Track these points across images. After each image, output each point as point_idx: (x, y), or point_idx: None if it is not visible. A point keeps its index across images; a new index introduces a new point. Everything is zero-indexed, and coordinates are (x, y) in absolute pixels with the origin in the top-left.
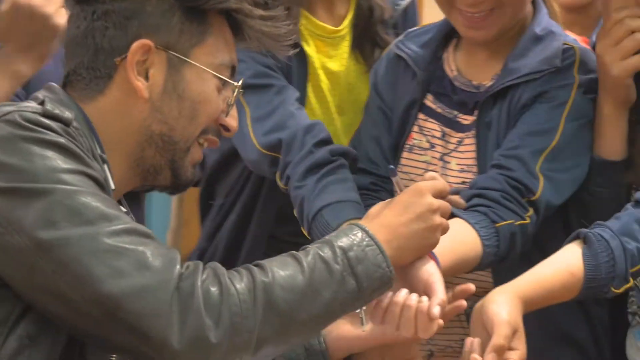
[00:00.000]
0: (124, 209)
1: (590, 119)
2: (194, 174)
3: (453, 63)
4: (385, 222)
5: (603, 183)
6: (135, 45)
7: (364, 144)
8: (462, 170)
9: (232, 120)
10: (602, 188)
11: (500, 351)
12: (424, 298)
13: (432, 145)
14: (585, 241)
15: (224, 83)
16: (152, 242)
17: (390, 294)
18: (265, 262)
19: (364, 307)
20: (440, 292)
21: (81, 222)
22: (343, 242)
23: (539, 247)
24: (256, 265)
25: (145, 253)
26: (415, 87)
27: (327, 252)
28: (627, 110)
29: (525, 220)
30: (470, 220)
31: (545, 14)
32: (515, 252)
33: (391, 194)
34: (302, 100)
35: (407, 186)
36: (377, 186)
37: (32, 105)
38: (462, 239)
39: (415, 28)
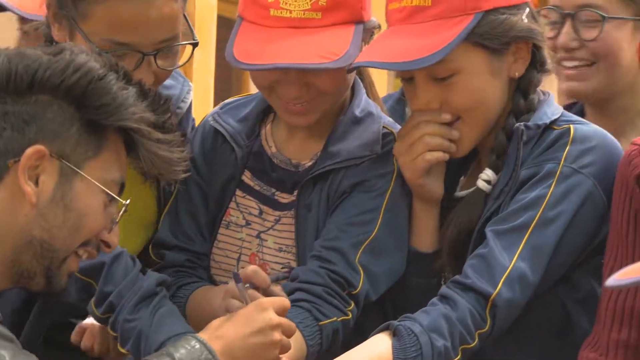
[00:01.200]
0: None
1: (409, 209)
2: (67, 282)
3: (271, 139)
4: (223, 334)
5: (416, 273)
6: (30, 150)
7: (180, 219)
8: (280, 250)
9: (113, 237)
10: (415, 278)
11: None
12: None
13: (248, 223)
14: (395, 333)
15: (111, 199)
16: (12, 348)
17: None
18: None
19: None
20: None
21: None
22: (182, 354)
23: (360, 333)
24: None
25: (5, 357)
26: (233, 162)
27: None
28: (436, 205)
29: (347, 315)
30: (294, 319)
31: (364, 95)
32: (337, 345)
33: (207, 270)
34: None
35: (228, 270)
36: (193, 263)
37: None
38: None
39: (231, 99)
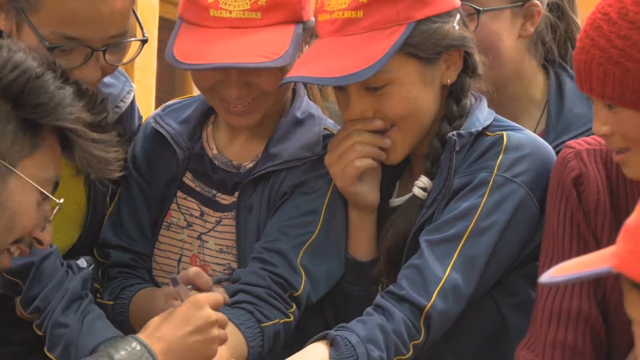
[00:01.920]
0: None
1: (346, 213)
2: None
3: (212, 141)
4: (163, 335)
5: (354, 281)
6: None
7: (123, 220)
8: (220, 251)
9: (46, 235)
10: (353, 285)
11: None
12: None
13: (190, 224)
14: (332, 343)
15: (45, 198)
16: None
17: None
18: None
19: None
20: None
21: None
22: (122, 356)
23: (301, 334)
24: None
25: None
26: (174, 163)
27: None
28: (372, 213)
29: (289, 317)
30: (235, 320)
31: (305, 97)
32: (279, 346)
33: (149, 272)
34: None
35: (169, 271)
36: (137, 263)
37: None
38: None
39: (173, 101)
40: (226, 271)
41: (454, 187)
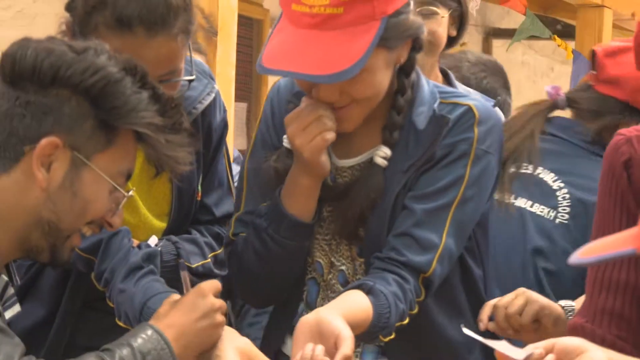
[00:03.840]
0: (5, 278)
1: None
2: (70, 256)
3: None
4: (173, 322)
5: (290, 237)
6: (45, 140)
7: None
8: None
9: (117, 219)
10: (286, 240)
11: None
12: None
13: None
14: (371, 292)
15: (116, 188)
16: (2, 337)
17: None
18: None
19: None
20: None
21: None
22: (140, 344)
23: None
24: None
25: None
26: None
27: (126, 354)
28: (322, 180)
29: None
30: None
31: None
32: None
33: None
34: None
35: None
36: None
37: None
38: None
39: None
40: None
41: (436, 157)
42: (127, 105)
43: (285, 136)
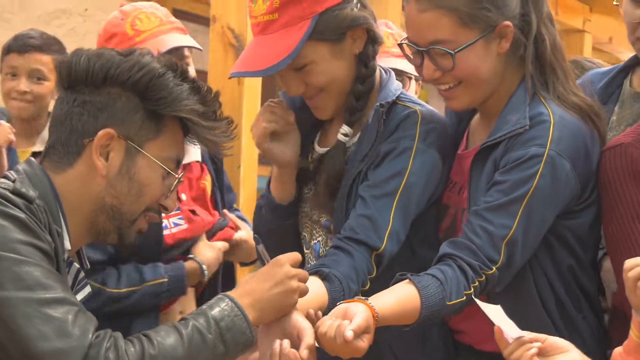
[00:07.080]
0: (77, 265)
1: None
2: (137, 239)
3: None
4: (249, 290)
5: (273, 220)
6: (102, 132)
7: None
8: None
9: (170, 202)
10: (271, 218)
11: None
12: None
13: None
14: (326, 278)
15: (169, 172)
16: (76, 311)
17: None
18: (152, 333)
19: None
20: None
21: (22, 287)
22: (215, 312)
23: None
24: (145, 336)
25: (67, 322)
26: None
27: (202, 323)
28: (289, 168)
29: None
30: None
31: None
32: None
33: None
34: None
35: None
36: None
37: (3, 181)
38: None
39: None
40: None
41: (383, 151)
42: (172, 95)
43: None
